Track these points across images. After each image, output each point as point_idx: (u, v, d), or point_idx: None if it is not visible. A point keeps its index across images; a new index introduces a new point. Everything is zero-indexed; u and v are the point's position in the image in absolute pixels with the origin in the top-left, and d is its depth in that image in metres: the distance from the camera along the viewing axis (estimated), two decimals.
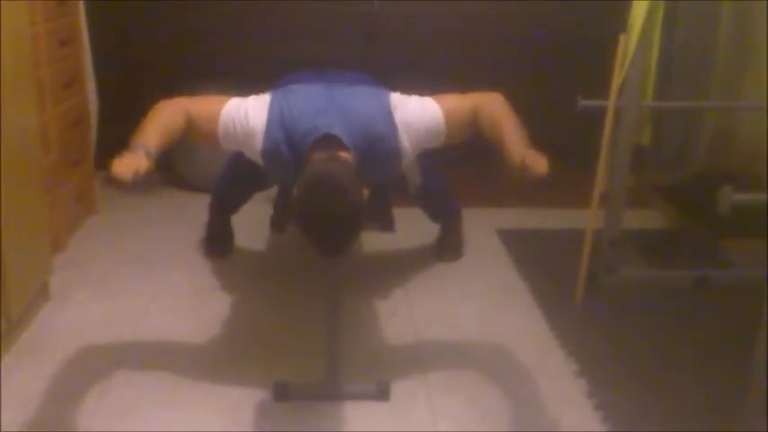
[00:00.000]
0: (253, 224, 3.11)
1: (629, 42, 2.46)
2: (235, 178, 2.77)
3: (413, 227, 3.11)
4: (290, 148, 2.04)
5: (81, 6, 3.11)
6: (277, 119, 2.05)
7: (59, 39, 2.87)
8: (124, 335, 2.38)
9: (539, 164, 1.84)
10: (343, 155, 1.94)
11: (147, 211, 3.38)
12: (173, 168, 3.54)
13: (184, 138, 2.10)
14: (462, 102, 2.14)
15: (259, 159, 2.12)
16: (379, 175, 2.12)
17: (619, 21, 2.53)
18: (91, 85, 3.23)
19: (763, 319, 1.57)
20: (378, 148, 2.04)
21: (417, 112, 2.10)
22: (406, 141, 2.08)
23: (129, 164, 1.79)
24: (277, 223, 3.11)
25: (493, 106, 2.10)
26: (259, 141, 2.06)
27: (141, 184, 1.84)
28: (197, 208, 3.08)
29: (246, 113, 2.07)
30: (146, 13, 3.68)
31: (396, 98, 2.13)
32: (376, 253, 3.04)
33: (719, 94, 2.78)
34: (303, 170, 1.91)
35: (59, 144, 2.87)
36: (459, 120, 2.11)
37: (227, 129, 2.08)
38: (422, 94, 2.19)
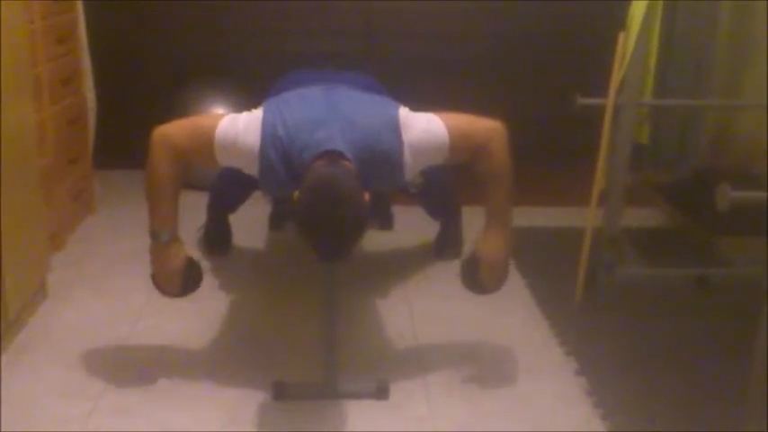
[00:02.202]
0: (251, 222, 3.10)
1: (628, 40, 2.46)
2: (233, 177, 2.73)
3: (412, 225, 3.10)
4: (286, 167, 1.97)
5: (79, 3, 3.10)
6: (271, 137, 1.97)
7: (57, 36, 2.86)
8: (122, 334, 2.37)
9: (479, 282, 2.18)
10: (345, 163, 1.90)
11: (145, 209, 3.36)
12: None
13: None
14: (468, 126, 2.07)
15: (257, 176, 2.07)
16: (381, 185, 2.08)
17: (618, 18, 2.52)
18: (89, 83, 3.21)
19: (762, 317, 1.56)
20: (381, 162, 1.98)
21: (424, 134, 2.02)
22: (410, 160, 2.03)
23: (173, 279, 2.07)
24: (276, 221, 3.10)
25: (493, 152, 2.05)
26: (255, 162, 1.99)
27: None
28: (195, 206, 3.07)
29: (238, 135, 1.98)
30: (144, 11, 3.67)
31: (404, 114, 2.04)
32: (375, 251, 3.03)
33: (719, 91, 2.77)
34: (305, 176, 1.87)
35: (57, 142, 2.86)
36: (461, 146, 2.03)
37: (223, 155, 2.01)
38: (426, 102, 2.13)
